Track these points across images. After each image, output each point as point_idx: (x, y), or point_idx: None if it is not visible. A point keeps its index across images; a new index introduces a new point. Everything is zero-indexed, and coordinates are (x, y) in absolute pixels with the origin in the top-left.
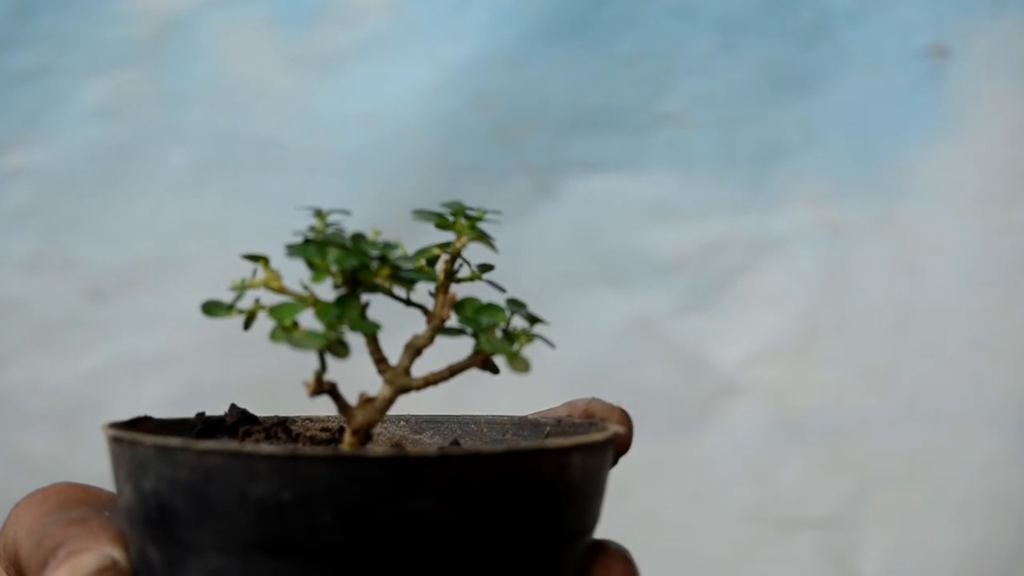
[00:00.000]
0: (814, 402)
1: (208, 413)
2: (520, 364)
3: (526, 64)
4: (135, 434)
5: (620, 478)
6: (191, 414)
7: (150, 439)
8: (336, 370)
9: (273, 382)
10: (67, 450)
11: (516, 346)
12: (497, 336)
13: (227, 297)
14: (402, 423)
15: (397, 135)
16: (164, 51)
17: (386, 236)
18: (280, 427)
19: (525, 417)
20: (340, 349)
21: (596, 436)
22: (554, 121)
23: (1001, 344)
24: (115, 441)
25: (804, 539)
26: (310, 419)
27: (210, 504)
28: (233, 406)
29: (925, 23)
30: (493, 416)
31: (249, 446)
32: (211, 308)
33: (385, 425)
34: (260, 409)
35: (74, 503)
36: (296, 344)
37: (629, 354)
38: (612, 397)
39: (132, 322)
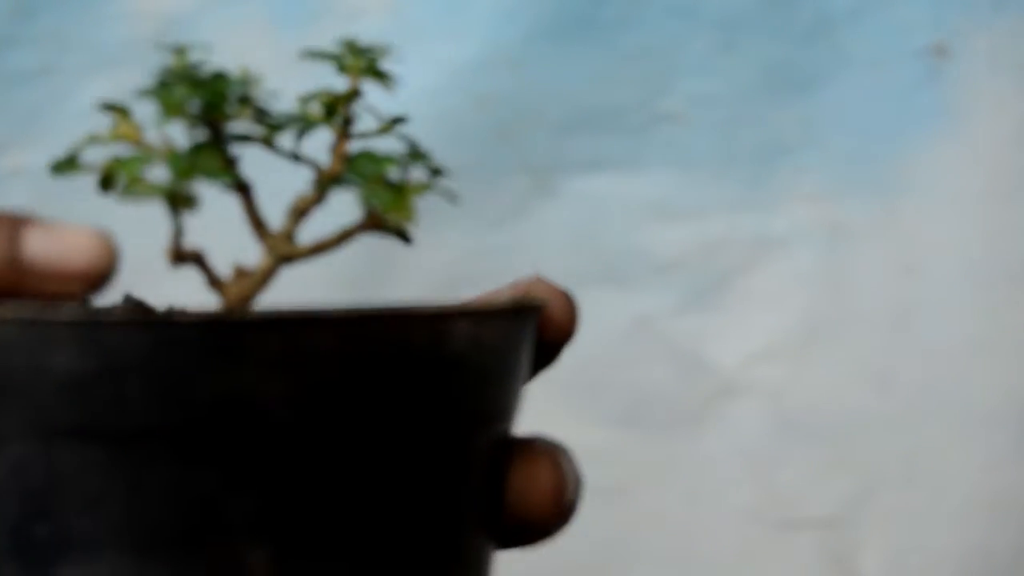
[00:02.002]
0: (814, 402)
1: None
2: (403, 213)
3: (526, 64)
4: None
5: (620, 478)
6: None
7: None
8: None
9: None
10: None
11: (405, 196)
12: (386, 186)
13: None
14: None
15: (397, 135)
16: (164, 51)
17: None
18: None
19: (469, 304)
20: (184, 200)
21: (494, 304)
22: (554, 121)
23: (1001, 344)
24: None
25: (804, 539)
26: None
27: (8, 383)
28: (128, 296)
29: (926, 23)
30: (432, 303)
31: (49, 312)
32: (59, 166)
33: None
34: None
35: None
36: (133, 196)
37: (629, 354)
38: (612, 397)
39: None
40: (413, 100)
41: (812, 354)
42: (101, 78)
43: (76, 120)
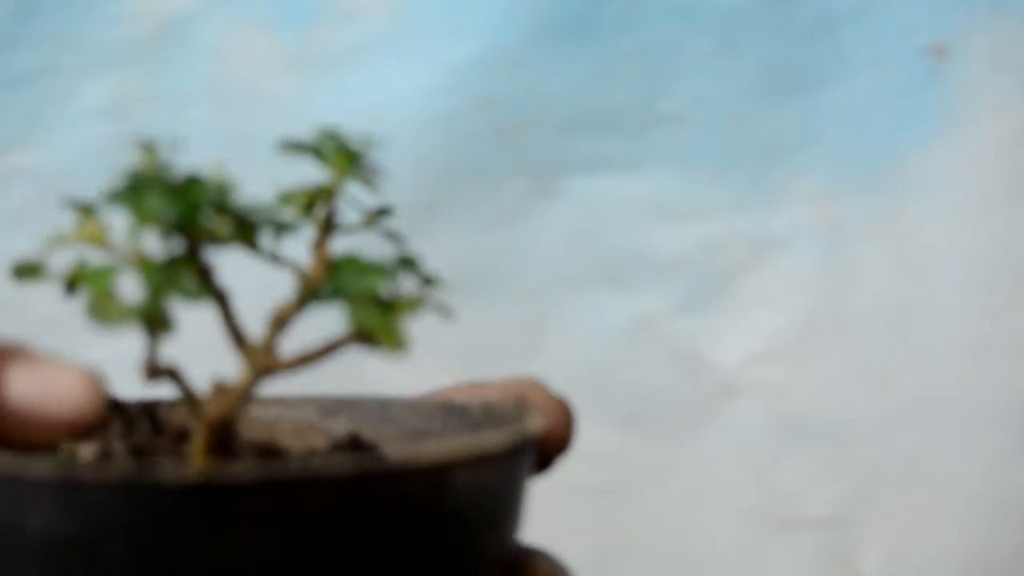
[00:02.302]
0: (814, 402)
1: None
2: (393, 342)
3: (526, 64)
4: None
5: (620, 478)
6: None
7: None
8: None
9: None
10: None
11: (395, 319)
12: (374, 304)
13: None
14: (312, 406)
15: (397, 135)
16: (164, 51)
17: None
18: (145, 415)
19: (453, 401)
20: (160, 324)
21: (493, 443)
22: (554, 121)
23: (1002, 344)
24: None
25: (804, 539)
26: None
27: None
28: (113, 402)
29: (926, 23)
30: (418, 399)
31: (23, 465)
32: (21, 271)
33: (290, 409)
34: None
35: None
36: (106, 321)
37: (629, 354)
38: (612, 397)
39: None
40: (414, 100)
41: (812, 354)
42: (101, 78)
43: (76, 120)
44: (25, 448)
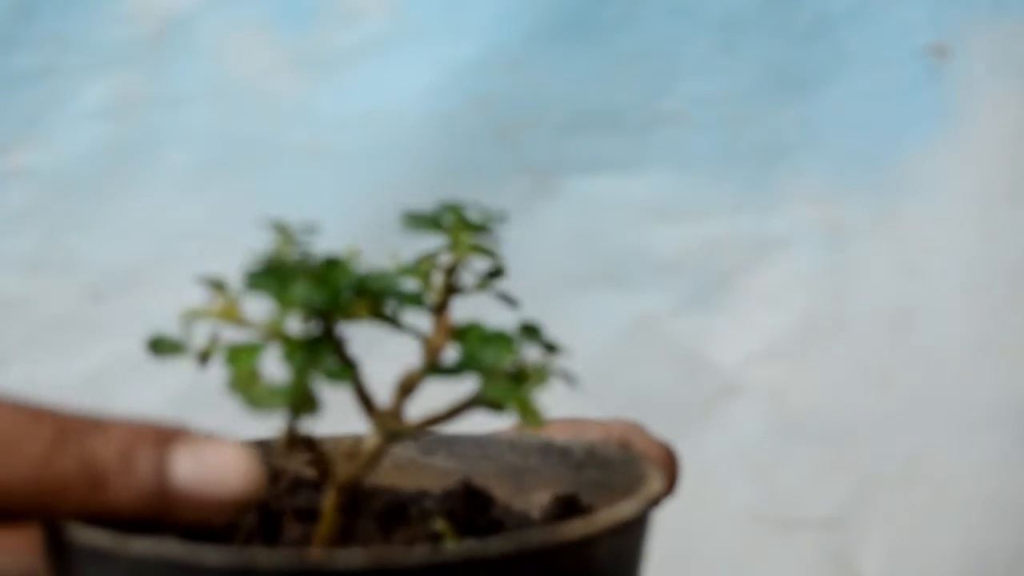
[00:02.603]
0: (814, 402)
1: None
2: (532, 417)
3: (526, 64)
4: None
5: None
6: (192, 415)
7: (83, 535)
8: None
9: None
10: None
11: (526, 390)
12: (503, 376)
13: (179, 331)
14: (410, 443)
15: (397, 135)
16: (164, 51)
17: (371, 247)
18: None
19: (553, 440)
20: (308, 406)
21: (631, 510)
22: (554, 121)
23: (1001, 344)
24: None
25: (804, 539)
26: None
27: None
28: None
29: (926, 23)
30: (516, 436)
31: (195, 553)
32: (159, 346)
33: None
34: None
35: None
36: (255, 404)
37: (629, 354)
38: (612, 397)
39: (132, 322)
40: (414, 100)
41: (812, 354)
42: (101, 78)
43: (76, 120)
44: (192, 527)
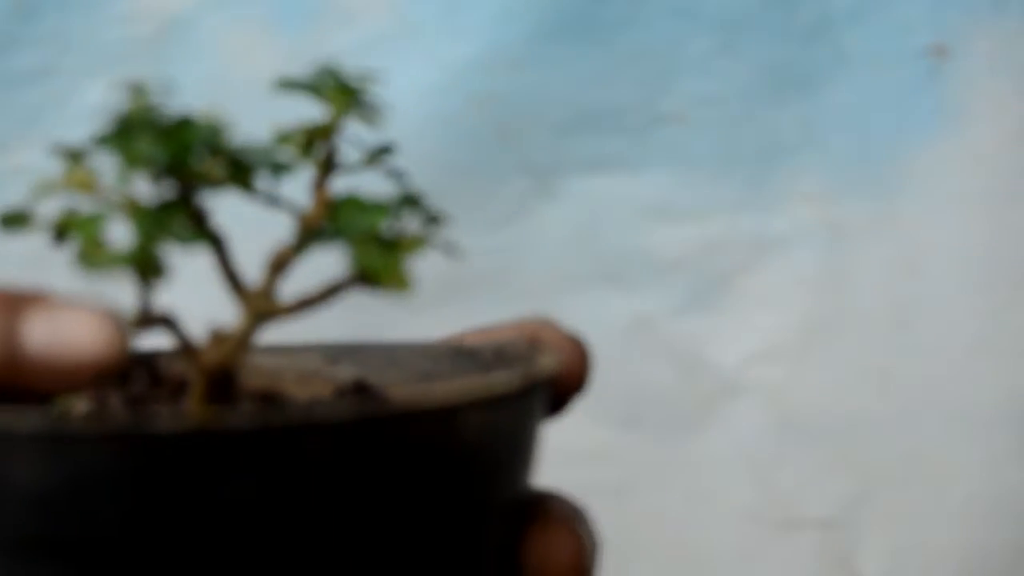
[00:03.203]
0: (814, 402)
1: None
2: (397, 282)
3: (526, 64)
4: None
5: (620, 478)
6: None
7: None
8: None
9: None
10: None
11: (399, 258)
12: (377, 244)
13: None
14: (316, 353)
15: (397, 135)
16: (164, 51)
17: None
18: (143, 366)
19: (463, 342)
20: (153, 270)
21: (504, 382)
22: (554, 121)
23: (1002, 344)
24: None
25: (804, 539)
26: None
27: None
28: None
29: (926, 23)
30: (427, 343)
31: (13, 419)
32: (10, 220)
33: (296, 357)
34: None
35: None
36: (95, 269)
37: (629, 354)
38: (612, 397)
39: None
40: (414, 100)
41: (812, 354)
42: (101, 78)
43: (76, 120)
44: (46, 397)
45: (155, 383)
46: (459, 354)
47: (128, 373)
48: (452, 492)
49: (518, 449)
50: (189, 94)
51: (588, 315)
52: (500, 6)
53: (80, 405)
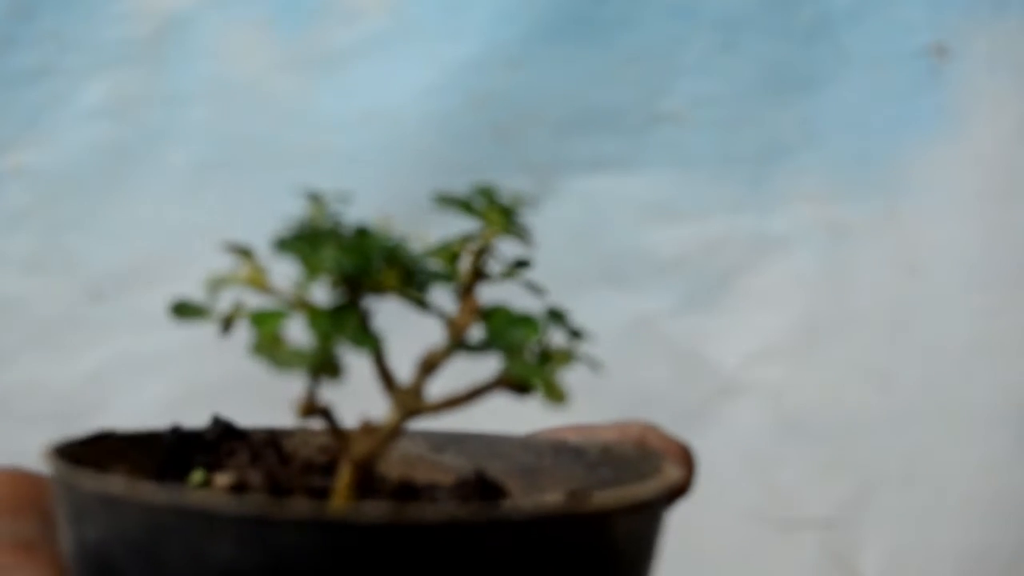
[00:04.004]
0: (814, 402)
1: (190, 423)
2: (556, 395)
3: (525, 63)
4: (75, 473)
5: None
6: (193, 415)
7: (90, 483)
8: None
9: (278, 381)
10: None
11: (551, 371)
12: (529, 356)
13: (204, 297)
14: (419, 440)
15: (397, 134)
16: (163, 50)
17: (398, 225)
18: (270, 446)
19: (565, 439)
20: (331, 370)
21: (649, 491)
22: (554, 120)
23: (1002, 344)
24: (54, 477)
25: (804, 539)
26: (308, 432)
27: (163, 569)
28: (216, 419)
29: (926, 23)
30: (527, 436)
31: (210, 499)
32: (182, 309)
33: (399, 442)
34: (263, 411)
35: (23, 508)
36: (278, 365)
37: (629, 354)
38: (612, 397)
39: (132, 322)
40: (413, 99)
41: (812, 354)
42: (101, 78)
43: (76, 120)
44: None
45: (283, 461)
46: (561, 451)
47: (258, 451)
48: None
49: (651, 552)
50: (189, 94)
51: (588, 315)
52: (499, 6)
53: (221, 479)
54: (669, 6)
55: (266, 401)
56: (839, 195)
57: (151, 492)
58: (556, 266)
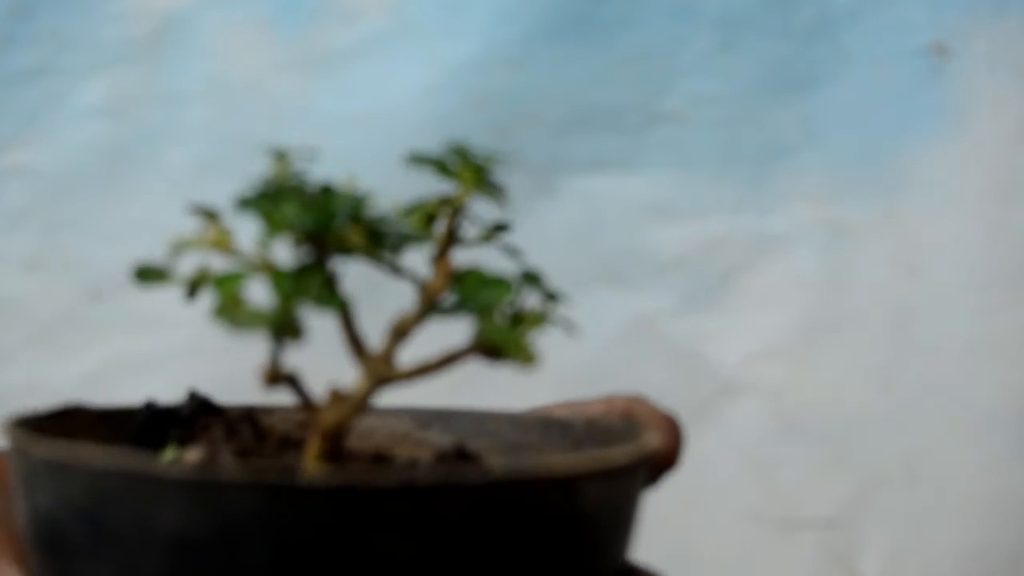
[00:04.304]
0: (814, 402)
1: (168, 401)
2: (524, 356)
3: (525, 63)
4: (27, 440)
5: None
6: None
7: (41, 449)
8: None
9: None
10: None
11: (522, 333)
12: (500, 318)
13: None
14: (405, 417)
15: (396, 134)
16: (162, 50)
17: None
18: (247, 421)
19: (552, 414)
20: (293, 331)
21: (620, 456)
22: (553, 121)
23: (1002, 344)
24: (11, 447)
25: (804, 539)
26: (289, 409)
27: (110, 535)
28: (192, 394)
29: (926, 22)
30: (514, 412)
31: (156, 466)
32: (144, 274)
33: (385, 419)
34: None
35: None
36: (236, 325)
37: (629, 354)
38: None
39: (132, 322)
40: (413, 99)
41: (812, 354)
42: (100, 77)
43: (75, 120)
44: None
45: (259, 437)
46: (548, 426)
47: (233, 427)
48: (569, 557)
49: (626, 520)
50: (188, 94)
51: (588, 315)
52: (499, 6)
53: (191, 455)
54: (669, 6)
55: (266, 401)
56: (839, 195)
57: (94, 455)
58: (556, 266)
